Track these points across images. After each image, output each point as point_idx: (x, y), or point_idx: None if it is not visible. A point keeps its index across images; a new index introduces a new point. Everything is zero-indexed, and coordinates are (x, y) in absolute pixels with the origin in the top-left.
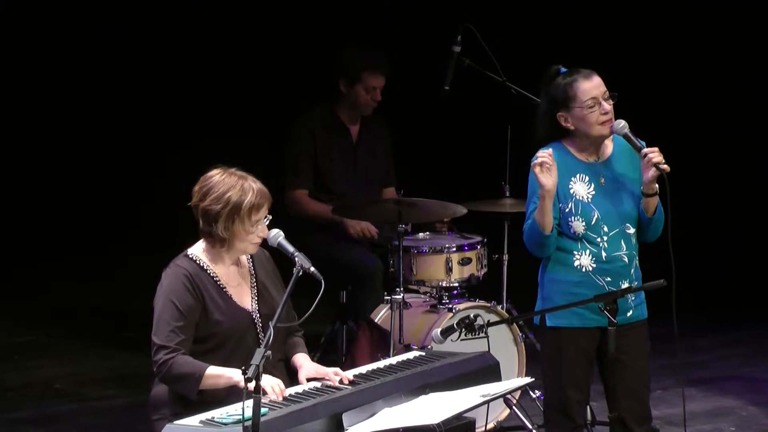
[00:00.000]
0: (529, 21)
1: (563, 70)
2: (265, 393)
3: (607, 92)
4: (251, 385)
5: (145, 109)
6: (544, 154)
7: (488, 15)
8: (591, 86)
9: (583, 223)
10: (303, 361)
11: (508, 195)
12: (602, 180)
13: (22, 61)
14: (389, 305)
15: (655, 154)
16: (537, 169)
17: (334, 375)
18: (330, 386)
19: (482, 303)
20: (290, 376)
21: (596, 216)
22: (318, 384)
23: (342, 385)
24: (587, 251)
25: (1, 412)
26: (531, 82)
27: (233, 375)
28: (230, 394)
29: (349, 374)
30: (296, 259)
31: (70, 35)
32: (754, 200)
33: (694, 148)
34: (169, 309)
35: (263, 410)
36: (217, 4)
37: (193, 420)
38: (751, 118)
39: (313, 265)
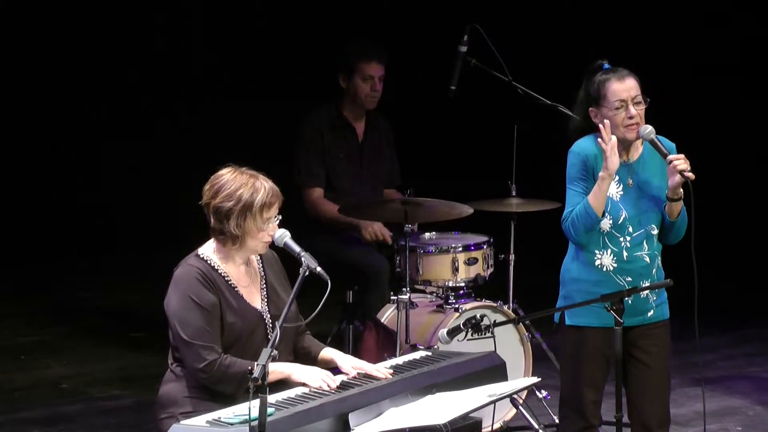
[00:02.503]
0: (536, 21)
1: (606, 66)
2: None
3: (639, 96)
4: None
5: (146, 109)
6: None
7: (495, 15)
8: (621, 88)
9: (611, 221)
10: (338, 354)
11: (514, 194)
12: (630, 181)
13: (21, 59)
14: (396, 305)
15: (680, 162)
16: (609, 148)
17: (376, 372)
18: (340, 384)
19: (488, 303)
20: None
21: (624, 216)
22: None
23: (355, 382)
24: (609, 250)
25: (9, 412)
26: (537, 81)
27: (284, 369)
28: (240, 395)
29: (383, 367)
30: (302, 259)
31: (64, 35)
32: (762, 198)
33: (704, 148)
34: (193, 308)
35: (270, 410)
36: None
37: (200, 420)
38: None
39: (320, 265)
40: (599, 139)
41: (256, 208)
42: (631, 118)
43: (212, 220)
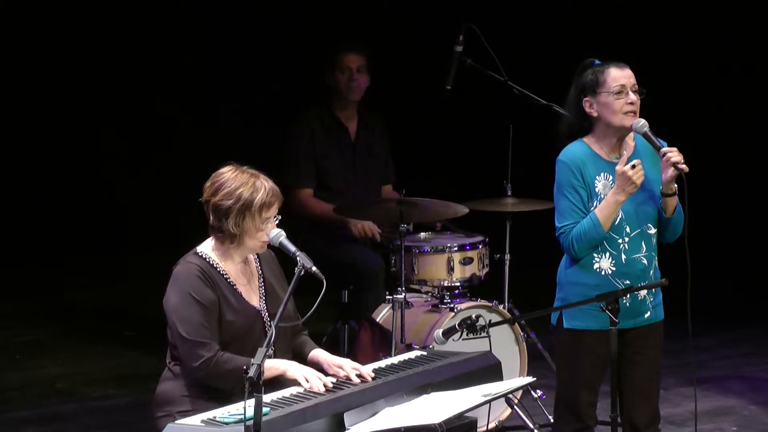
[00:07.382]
0: (532, 21)
1: (597, 62)
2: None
3: (636, 85)
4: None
5: (145, 109)
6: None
7: (490, 14)
8: (621, 75)
9: None
10: (326, 356)
11: (509, 194)
12: None
13: (24, 56)
14: (391, 305)
15: (674, 154)
16: (634, 171)
17: (354, 377)
18: (333, 385)
19: (484, 303)
20: None
21: (620, 216)
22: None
23: (350, 382)
24: (607, 254)
25: (3, 411)
26: (533, 81)
27: (279, 365)
28: (237, 393)
29: (368, 370)
30: (298, 258)
31: (64, 35)
32: (759, 199)
33: (703, 147)
34: (193, 305)
35: (265, 410)
36: (218, 4)
37: (195, 419)
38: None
39: (315, 265)
40: (625, 166)
41: (255, 208)
42: (631, 104)
43: (211, 217)
